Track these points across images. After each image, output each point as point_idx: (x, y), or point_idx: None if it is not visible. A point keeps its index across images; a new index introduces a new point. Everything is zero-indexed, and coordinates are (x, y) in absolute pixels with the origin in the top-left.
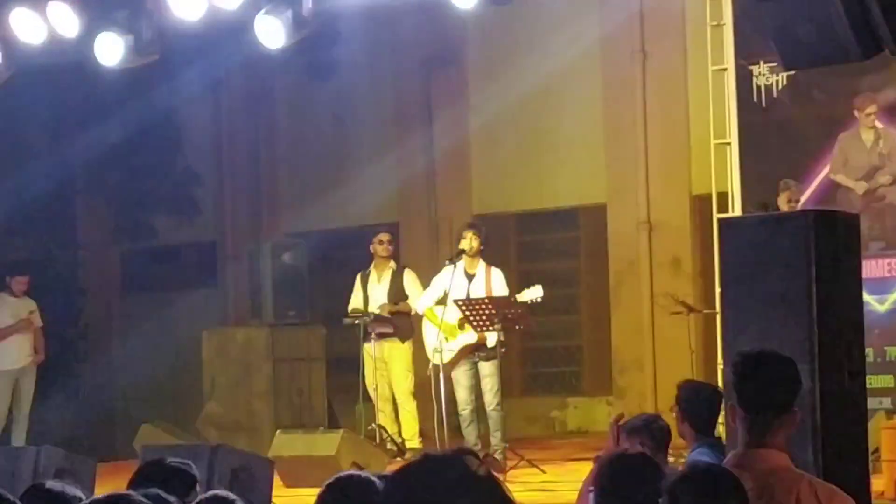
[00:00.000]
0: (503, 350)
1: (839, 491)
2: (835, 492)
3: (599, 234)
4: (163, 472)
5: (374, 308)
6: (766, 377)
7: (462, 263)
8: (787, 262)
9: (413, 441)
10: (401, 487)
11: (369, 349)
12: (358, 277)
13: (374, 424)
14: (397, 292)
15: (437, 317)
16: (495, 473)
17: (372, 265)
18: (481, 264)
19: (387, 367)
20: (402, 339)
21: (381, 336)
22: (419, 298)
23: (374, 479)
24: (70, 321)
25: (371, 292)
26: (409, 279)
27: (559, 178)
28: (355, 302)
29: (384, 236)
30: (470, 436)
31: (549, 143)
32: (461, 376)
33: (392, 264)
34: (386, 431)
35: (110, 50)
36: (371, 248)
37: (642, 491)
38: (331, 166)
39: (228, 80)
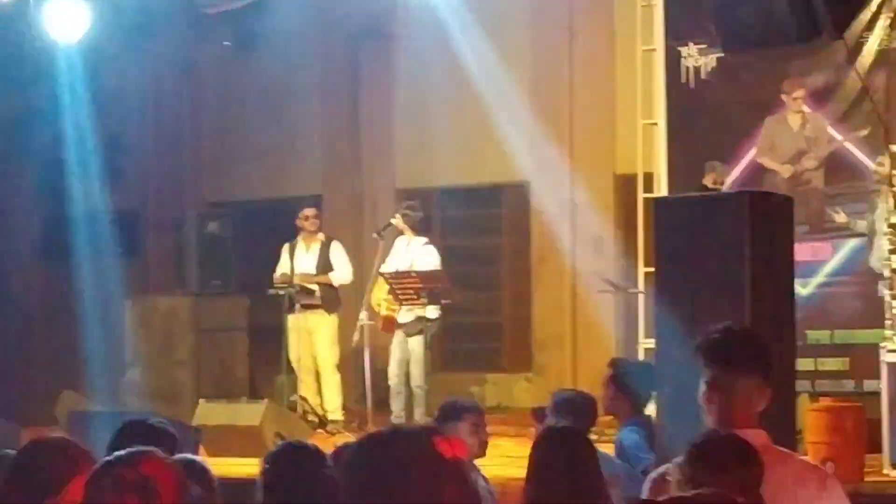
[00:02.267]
0: (428, 325)
1: (829, 472)
2: (826, 473)
3: (523, 212)
4: (147, 432)
5: (299, 278)
6: (743, 352)
7: (403, 238)
8: (721, 242)
9: (336, 413)
10: (367, 458)
11: (294, 320)
12: (285, 248)
13: (296, 396)
14: (324, 263)
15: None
16: (459, 457)
17: (299, 236)
18: (419, 239)
19: (311, 338)
20: (329, 311)
21: (307, 307)
22: (347, 269)
23: (321, 450)
24: None
25: (297, 263)
26: (336, 251)
27: (484, 155)
28: (282, 268)
29: (309, 212)
30: (395, 408)
31: (474, 120)
32: (394, 348)
33: (320, 236)
34: (307, 403)
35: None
36: (297, 222)
37: (577, 464)
38: (256, 137)
39: (155, 48)
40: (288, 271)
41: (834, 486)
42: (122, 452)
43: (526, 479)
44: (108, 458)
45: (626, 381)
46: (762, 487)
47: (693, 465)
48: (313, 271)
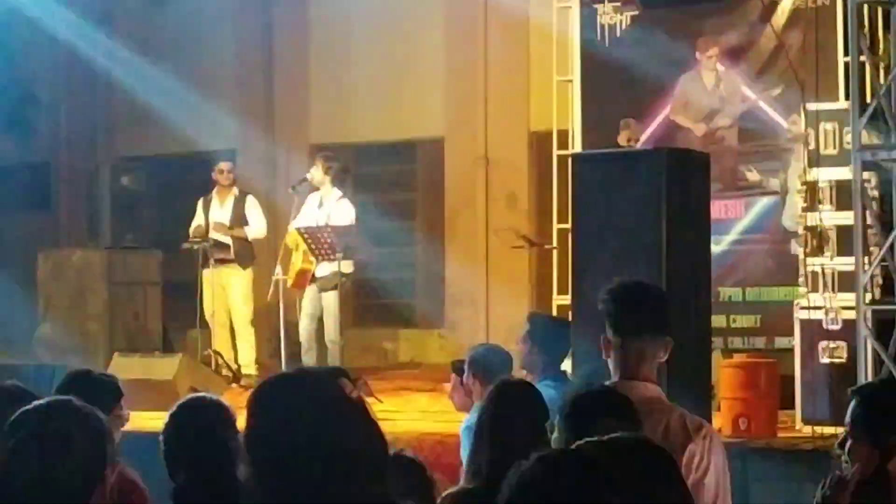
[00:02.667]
0: (344, 280)
1: (707, 423)
2: (702, 423)
3: (437, 168)
4: (89, 384)
5: (213, 233)
6: (640, 305)
7: (318, 193)
8: (639, 198)
9: (249, 368)
10: (273, 399)
11: (208, 274)
12: (200, 202)
13: (209, 350)
14: (239, 217)
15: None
16: (366, 397)
17: (214, 191)
18: (334, 193)
19: (225, 292)
20: (243, 266)
21: (221, 262)
22: (261, 224)
23: (226, 403)
24: None
25: (212, 216)
26: (251, 205)
27: (398, 111)
28: (196, 222)
29: (224, 165)
30: (308, 363)
31: (389, 76)
32: (306, 303)
33: (235, 190)
34: (221, 357)
35: None
36: (213, 176)
37: (528, 416)
38: (169, 90)
39: (66, 1)
40: (203, 224)
41: (707, 437)
42: (39, 402)
43: (477, 434)
44: (24, 407)
45: (542, 337)
46: None
47: (565, 420)
48: (227, 225)
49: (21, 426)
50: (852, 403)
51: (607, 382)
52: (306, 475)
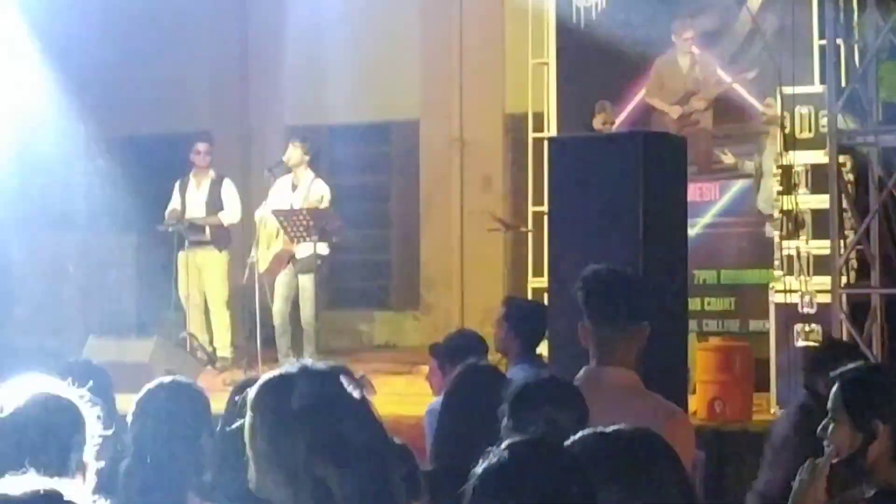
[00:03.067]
0: (319, 263)
1: (680, 410)
2: (675, 411)
3: (411, 150)
4: (88, 372)
5: (190, 214)
6: (614, 292)
7: (290, 175)
8: (615, 181)
9: (225, 351)
10: (276, 396)
11: (184, 257)
12: (176, 185)
13: (184, 333)
14: (215, 200)
15: (264, 227)
16: (368, 396)
17: (191, 173)
18: (308, 175)
19: (200, 275)
20: (219, 248)
21: (197, 244)
22: (236, 208)
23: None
24: None
25: (188, 199)
26: (228, 188)
27: (373, 92)
28: (173, 205)
29: (201, 146)
30: (282, 346)
31: (363, 57)
32: (280, 287)
33: (211, 173)
34: (196, 340)
35: None
36: (190, 156)
37: (491, 401)
38: (143, 69)
39: None
40: (178, 207)
41: (678, 423)
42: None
43: (440, 417)
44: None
45: (518, 320)
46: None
47: (509, 408)
48: (203, 209)
49: None
50: (834, 388)
51: (585, 368)
52: (308, 473)
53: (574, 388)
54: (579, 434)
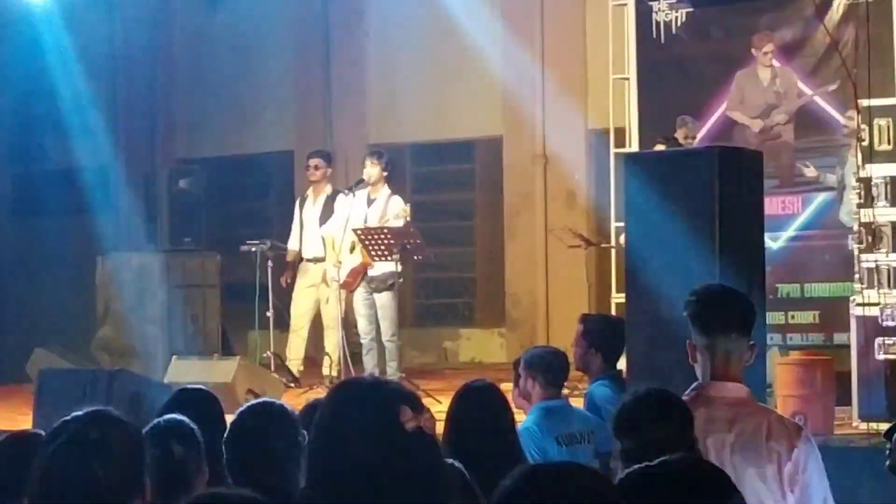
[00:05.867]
0: (400, 280)
1: (802, 426)
2: (799, 425)
3: (495, 167)
4: (199, 399)
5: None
6: (728, 305)
7: (367, 190)
8: (691, 197)
9: (332, 369)
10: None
11: (301, 272)
12: (297, 201)
13: (268, 352)
14: (328, 215)
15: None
16: (428, 430)
17: (310, 188)
18: (384, 191)
19: (318, 291)
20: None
21: (315, 260)
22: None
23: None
24: None
25: (306, 214)
26: (339, 204)
27: (456, 110)
28: (295, 230)
29: (312, 160)
30: (368, 364)
31: (446, 75)
32: (359, 305)
33: (328, 188)
34: (280, 359)
35: None
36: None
37: (492, 419)
38: (228, 92)
39: (125, 2)
40: (297, 235)
41: (807, 440)
42: (79, 412)
43: (445, 429)
44: (64, 417)
45: (596, 337)
46: (734, 437)
47: (615, 425)
48: (317, 223)
49: (60, 434)
50: None
51: (695, 384)
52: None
53: (676, 403)
54: (632, 469)
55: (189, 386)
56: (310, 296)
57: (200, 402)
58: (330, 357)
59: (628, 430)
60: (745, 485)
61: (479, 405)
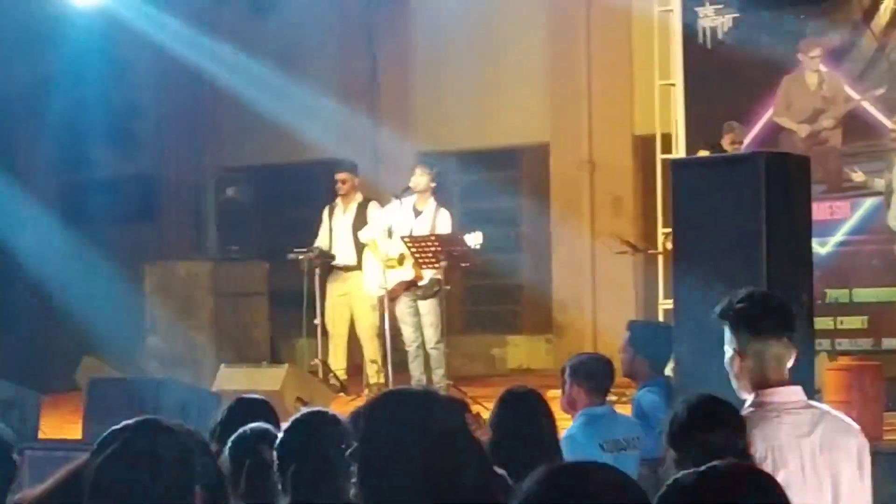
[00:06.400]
0: (447, 288)
1: (856, 425)
2: (852, 426)
3: (541, 174)
4: (258, 408)
5: (336, 238)
6: (776, 308)
7: (412, 199)
8: (738, 202)
9: (375, 377)
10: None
11: (330, 286)
12: (325, 210)
13: (316, 360)
14: (361, 223)
15: (380, 250)
16: (477, 434)
17: (339, 197)
18: (431, 203)
19: (349, 301)
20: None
21: (346, 269)
22: (368, 228)
23: (341, 418)
24: (7, 254)
25: (335, 223)
26: (374, 211)
27: (502, 117)
28: (322, 236)
29: (339, 176)
30: (415, 372)
31: (492, 82)
32: (404, 314)
33: (358, 196)
34: (328, 367)
35: None
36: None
37: (535, 426)
38: (273, 100)
39: (170, 12)
40: (326, 237)
41: (863, 434)
42: (128, 422)
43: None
44: (115, 426)
45: (642, 344)
46: (818, 439)
47: (667, 431)
48: (349, 232)
49: (108, 444)
50: None
51: (758, 391)
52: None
53: (727, 409)
54: (681, 474)
55: (246, 395)
56: (343, 303)
57: (259, 411)
58: (377, 364)
59: (680, 439)
60: (841, 484)
61: (520, 411)
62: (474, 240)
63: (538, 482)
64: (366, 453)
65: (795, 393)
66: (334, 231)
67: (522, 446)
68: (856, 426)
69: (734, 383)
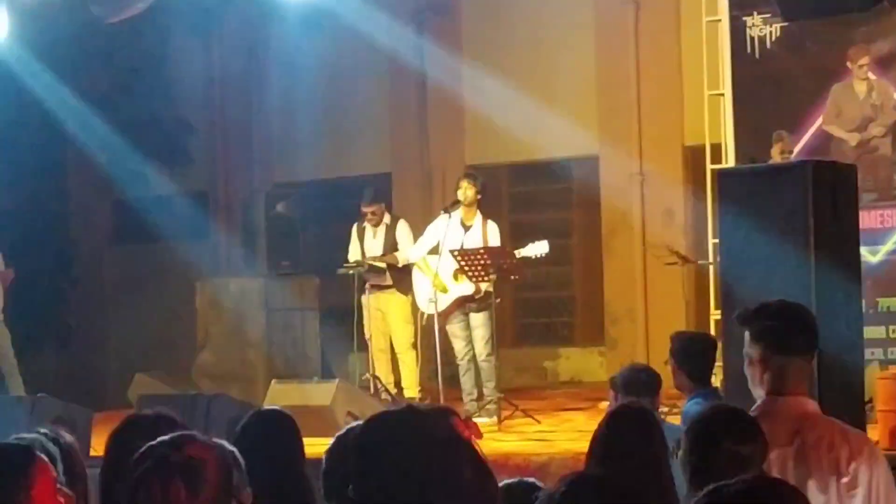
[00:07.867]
0: (498, 301)
1: (869, 439)
2: (866, 439)
3: (592, 186)
4: (275, 419)
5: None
6: (802, 323)
7: (458, 214)
8: (785, 212)
9: (412, 391)
10: (378, 436)
11: (367, 300)
12: (354, 229)
13: (367, 374)
14: (391, 243)
15: (431, 267)
16: (474, 438)
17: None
18: (478, 217)
19: (384, 318)
20: (401, 291)
21: (378, 287)
22: (410, 248)
23: None
24: (61, 272)
25: (366, 243)
26: (402, 230)
27: (552, 130)
28: (353, 253)
29: (367, 209)
30: (466, 385)
31: (542, 95)
32: (455, 328)
33: (387, 217)
34: (380, 381)
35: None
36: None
37: (643, 443)
38: (324, 116)
39: (221, 29)
40: (358, 254)
41: (870, 455)
42: (165, 437)
43: (588, 454)
44: (150, 442)
45: (680, 355)
46: (794, 449)
47: (690, 444)
48: (381, 251)
49: (146, 458)
50: None
51: (762, 400)
52: None
53: (751, 420)
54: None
55: (263, 408)
56: (379, 318)
57: (278, 422)
58: (413, 376)
59: (707, 445)
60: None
61: (629, 429)
62: (540, 248)
63: (562, 492)
64: (364, 486)
65: (805, 404)
66: (365, 250)
67: (628, 465)
68: (861, 445)
69: (752, 388)
